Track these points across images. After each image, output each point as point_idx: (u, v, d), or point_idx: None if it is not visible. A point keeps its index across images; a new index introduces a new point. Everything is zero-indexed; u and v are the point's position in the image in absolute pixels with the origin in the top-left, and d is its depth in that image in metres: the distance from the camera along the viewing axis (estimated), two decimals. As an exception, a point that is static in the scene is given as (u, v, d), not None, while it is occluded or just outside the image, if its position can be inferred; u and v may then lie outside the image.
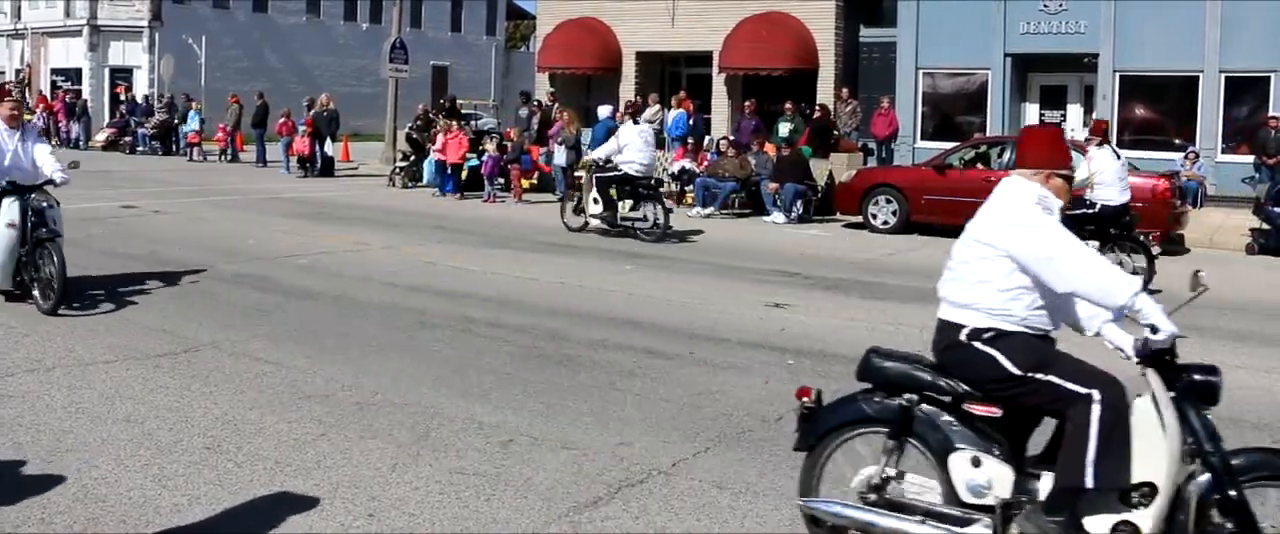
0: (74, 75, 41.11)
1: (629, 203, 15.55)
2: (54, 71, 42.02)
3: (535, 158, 22.59)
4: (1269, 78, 21.10)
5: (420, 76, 41.13)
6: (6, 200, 9.19)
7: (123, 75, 40.61)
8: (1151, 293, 12.54)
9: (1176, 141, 21.76)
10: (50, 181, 9.47)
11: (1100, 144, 13.11)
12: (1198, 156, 20.80)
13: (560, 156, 21.54)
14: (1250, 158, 20.35)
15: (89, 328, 8.51)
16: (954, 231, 15.39)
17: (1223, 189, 20.67)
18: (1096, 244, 12.54)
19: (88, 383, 6.87)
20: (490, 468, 5.49)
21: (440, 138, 22.22)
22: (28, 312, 9.02)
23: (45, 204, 9.36)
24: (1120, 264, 12.33)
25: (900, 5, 24.26)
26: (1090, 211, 12.55)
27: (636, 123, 16.35)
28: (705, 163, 20.44)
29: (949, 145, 19.64)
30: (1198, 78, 21.59)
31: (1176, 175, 17.59)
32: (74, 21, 41.13)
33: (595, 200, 15.77)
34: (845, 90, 23.75)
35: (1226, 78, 21.43)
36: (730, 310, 10.10)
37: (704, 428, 6.28)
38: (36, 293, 9.16)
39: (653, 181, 16.05)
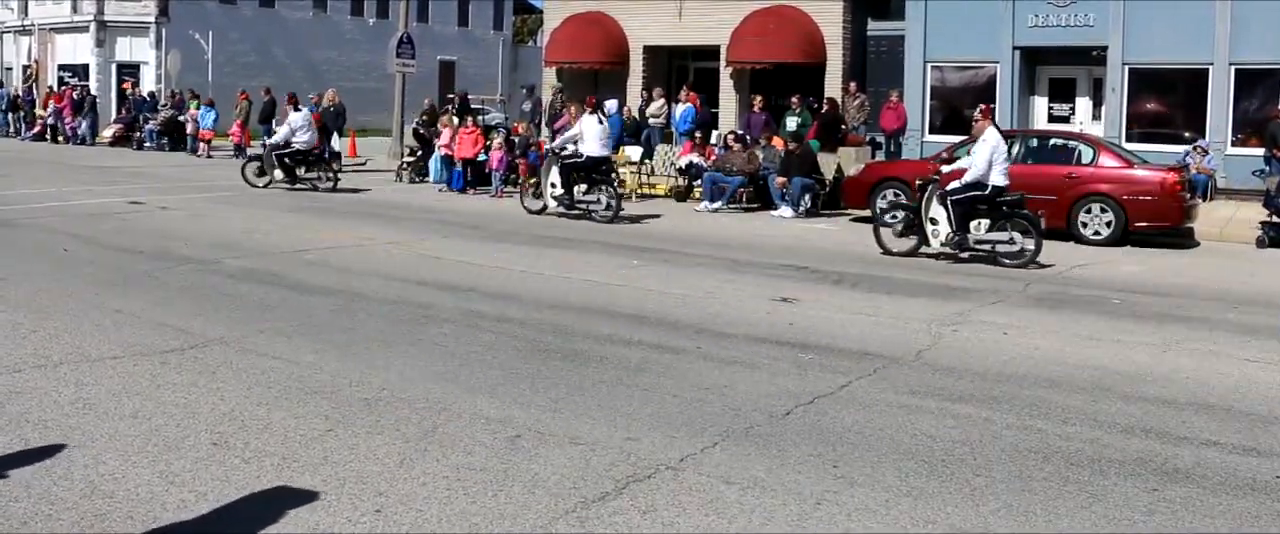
0: (81, 71, 41.16)
1: (583, 186, 16.99)
2: (61, 67, 42.07)
3: (541, 152, 22.54)
4: (1280, 70, 21.01)
5: (427, 71, 41.11)
6: None
7: (130, 71, 40.65)
8: (1041, 267, 12.73)
9: (1186, 134, 21.67)
10: None
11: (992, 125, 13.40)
12: (1207, 150, 20.72)
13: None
14: (1260, 151, 20.25)
15: (96, 323, 8.50)
16: (964, 225, 15.06)
17: (1232, 182, 20.59)
18: (988, 222, 13.07)
19: (95, 379, 6.87)
20: (497, 463, 5.47)
21: (445, 133, 22.24)
22: (35, 307, 9.02)
23: None
24: (1012, 241, 12.82)
25: (908, -2, 24.21)
26: (982, 193, 13.01)
27: (595, 115, 17.23)
28: (713, 157, 20.40)
29: (957, 139, 19.57)
30: (1208, 71, 21.49)
31: (1185, 168, 17.52)
32: (81, 17, 41.17)
33: (553, 185, 17.21)
34: (853, 84, 23.68)
35: (1236, 70, 21.31)
36: (738, 305, 10.08)
37: (712, 423, 6.26)
38: None
39: (605, 167, 17.31)
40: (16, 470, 5.18)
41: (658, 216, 18.01)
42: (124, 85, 39.48)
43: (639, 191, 21.24)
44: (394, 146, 28.21)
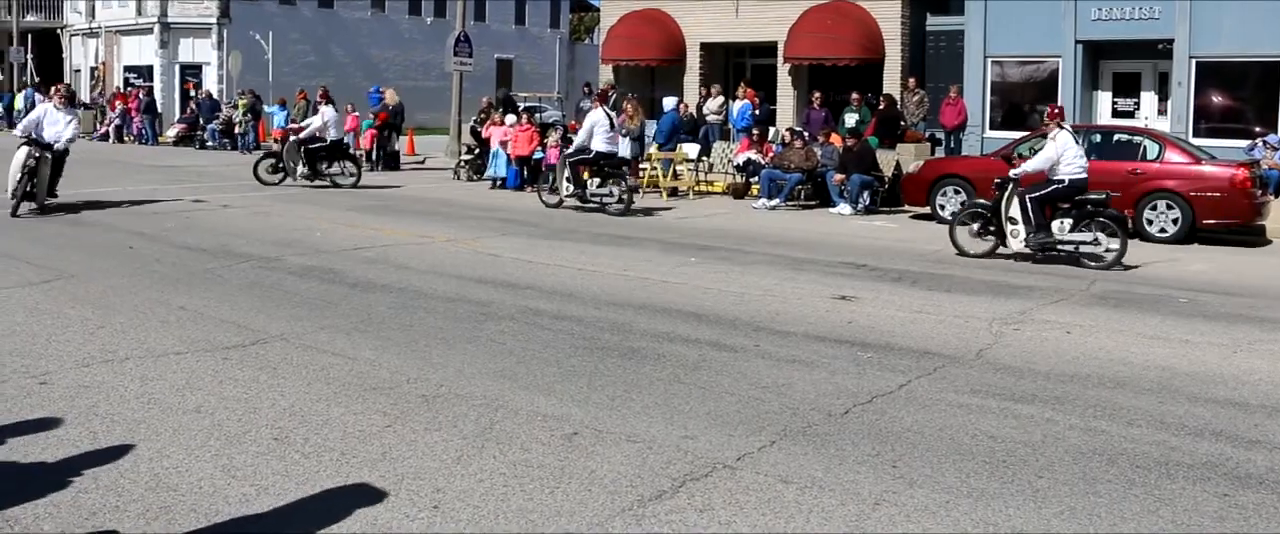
0: (146, 72, 41.88)
1: (596, 180, 17.63)
2: (127, 69, 42.84)
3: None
4: (1354, 61, 20.50)
5: (484, 70, 41.36)
6: (23, 148, 15.17)
7: (192, 72, 41.32)
8: (1125, 269, 12.45)
9: (1256, 129, 21.21)
10: (50, 144, 15.39)
11: (1060, 126, 13.24)
12: (1277, 146, 20.26)
13: (624, 148, 21.55)
14: (1336, 145, 19.79)
15: (161, 319, 8.63)
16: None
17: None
18: (1070, 222, 12.79)
19: (160, 374, 6.97)
20: (554, 460, 5.47)
21: (495, 131, 22.33)
22: (103, 303, 9.18)
23: (38, 153, 15.18)
24: (1096, 241, 12.52)
25: (968, -7, 23.94)
26: (1061, 188, 12.83)
27: (600, 110, 17.93)
28: (770, 154, 20.30)
29: (1018, 135, 19.32)
30: (1278, 63, 21.01)
31: (1255, 164, 17.14)
32: (145, 20, 41.89)
33: (568, 180, 17.89)
34: (912, 80, 23.46)
35: (1309, 62, 20.84)
36: (796, 302, 10.01)
37: (769, 422, 6.22)
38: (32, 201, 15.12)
39: (617, 161, 18.08)
40: (85, 463, 5.27)
41: (670, 210, 18.32)
42: (187, 86, 40.10)
43: (696, 189, 21.19)
44: (452, 144, 28.37)
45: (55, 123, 15.73)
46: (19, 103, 40.72)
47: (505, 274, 11.24)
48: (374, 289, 10.20)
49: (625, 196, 17.41)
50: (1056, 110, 13.59)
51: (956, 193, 17.02)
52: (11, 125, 39.12)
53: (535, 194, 19.31)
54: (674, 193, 20.85)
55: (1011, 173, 13.33)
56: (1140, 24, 22.04)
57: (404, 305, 9.46)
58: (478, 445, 5.69)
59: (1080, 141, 13.37)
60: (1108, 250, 12.51)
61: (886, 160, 19.53)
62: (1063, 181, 12.80)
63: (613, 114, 18.41)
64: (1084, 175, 12.89)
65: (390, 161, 26.19)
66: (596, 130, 17.60)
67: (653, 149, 21.94)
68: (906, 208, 18.31)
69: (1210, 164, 15.86)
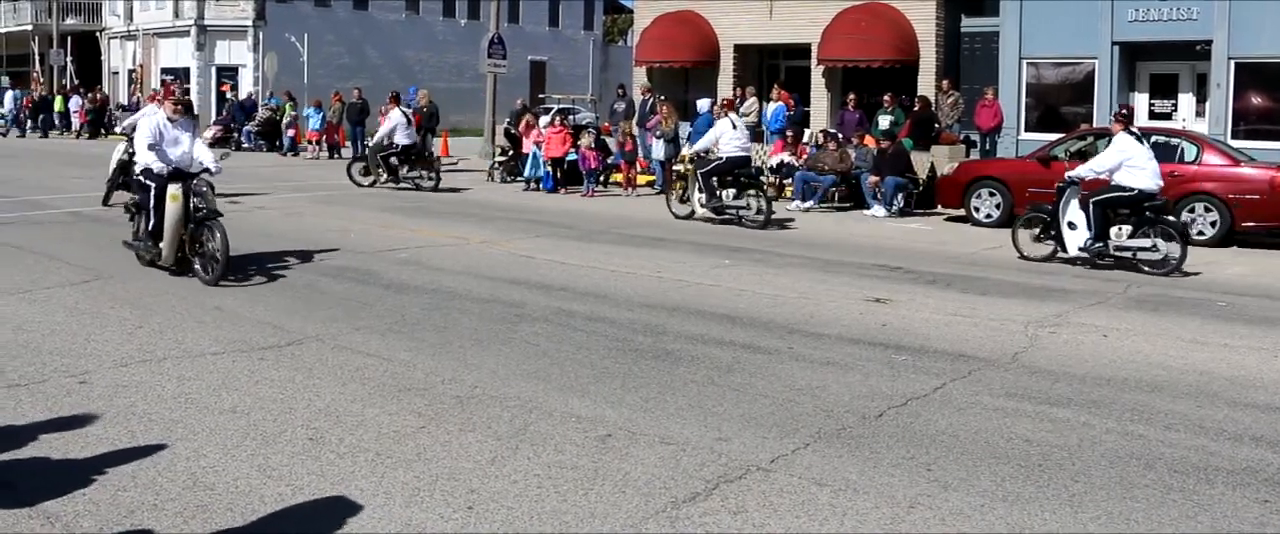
0: (182, 74, 42.27)
1: (732, 191, 16.54)
2: (164, 71, 43.24)
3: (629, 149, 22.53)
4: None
5: (518, 72, 41.47)
6: (172, 185, 10.47)
7: (228, 74, 41.68)
8: (1186, 276, 12.33)
9: (1300, 131, 20.95)
10: (206, 170, 10.77)
11: (1125, 130, 12.88)
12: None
13: (659, 150, 21.57)
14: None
15: (197, 320, 8.71)
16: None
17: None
18: (1130, 227, 12.59)
19: (196, 374, 7.03)
20: (588, 462, 5.48)
21: (529, 134, 22.40)
22: (141, 304, 9.27)
23: (203, 188, 10.70)
24: (1155, 248, 12.33)
25: (1003, -6, 23.78)
26: (1126, 195, 12.56)
27: (728, 116, 17.05)
28: (804, 156, 20.24)
29: (1054, 137, 19.16)
30: (1319, 65, 20.76)
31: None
32: (182, 22, 42.29)
33: (700, 190, 16.70)
34: (946, 82, 23.31)
35: (1350, 63, 20.56)
36: (830, 305, 9.98)
37: (803, 424, 6.20)
38: (199, 266, 10.46)
39: (753, 170, 17.08)
40: (123, 461, 5.33)
41: (793, 220, 17.28)
42: (222, 88, 40.43)
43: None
44: (486, 146, 28.46)
45: (177, 142, 10.78)
46: (59, 105, 41.30)
47: (539, 276, 11.27)
48: (408, 290, 10.24)
49: (766, 208, 16.16)
50: (1123, 112, 13.31)
51: (991, 195, 16.90)
52: (43, 127, 39.65)
53: (568, 196, 19.35)
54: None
55: (1067, 174, 13.16)
56: (1178, 25, 21.80)
57: (438, 307, 9.49)
58: (512, 447, 5.71)
59: (1146, 145, 12.91)
60: (1167, 257, 12.27)
61: (921, 162, 19.42)
62: (1131, 190, 12.48)
63: (738, 119, 17.34)
64: (1152, 186, 12.50)
65: (427, 163, 26.28)
66: (723, 136, 16.57)
67: (686, 151, 21.89)
68: (941, 210, 18.20)
69: (1249, 166, 15.68)
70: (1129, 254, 12.51)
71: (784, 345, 8.24)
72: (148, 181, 10.64)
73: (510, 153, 24.17)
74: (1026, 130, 23.43)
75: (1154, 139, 16.87)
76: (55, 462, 5.37)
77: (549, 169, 21.57)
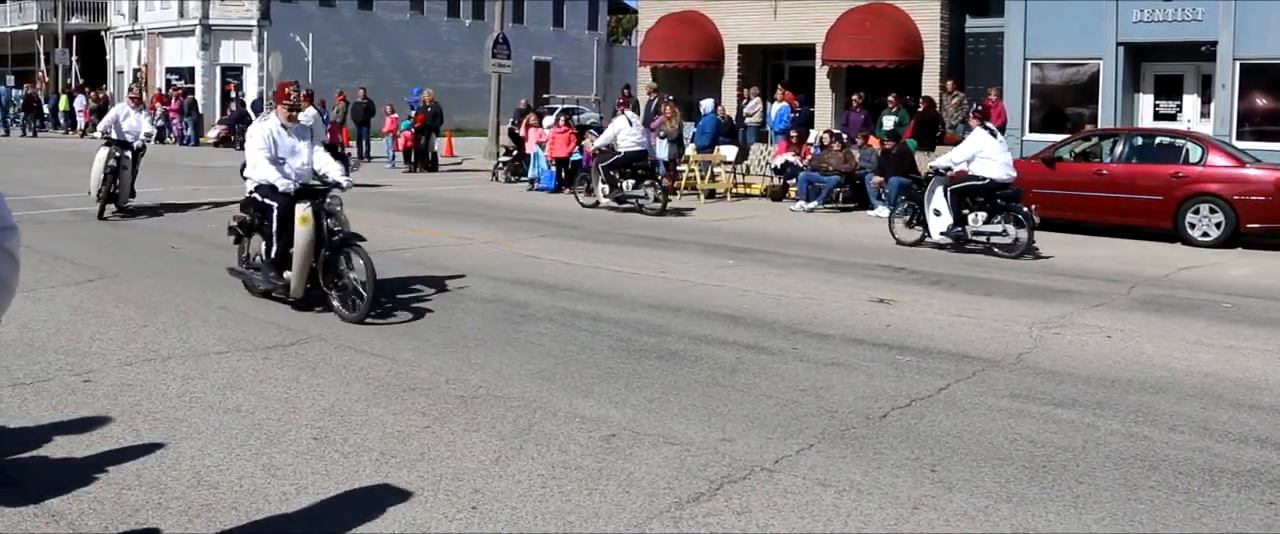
0: (187, 74, 42.34)
1: (630, 182, 18.20)
2: (168, 70, 43.33)
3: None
4: (1405, 62, 20.13)
5: (523, 72, 41.52)
6: (299, 205, 8.98)
7: (233, 73, 41.73)
8: (1039, 258, 12.83)
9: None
10: (337, 185, 9.27)
11: (981, 125, 14.28)
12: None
13: (662, 150, 21.56)
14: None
15: (202, 319, 8.72)
16: (1065, 226, 15.46)
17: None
18: (984, 215, 13.78)
19: (201, 373, 7.04)
20: (592, 462, 5.48)
21: (531, 134, 22.41)
22: (146, 303, 9.28)
23: (336, 207, 9.11)
24: (1005, 233, 13.44)
25: (1008, -5, 23.75)
26: (980, 184, 13.68)
27: (625, 114, 19.01)
28: (809, 156, 20.24)
29: (1059, 138, 19.14)
30: (1325, 66, 20.70)
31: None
32: (187, 21, 42.37)
33: (603, 182, 18.38)
34: (951, 82, 23.31)
35: (1357, 64, 20.50)
36: (834, 305, 9.98)
37: (808, 425, 6.20)
38: (337, 300, 8.84)
39: (648, 162, 18.77)
40: (128, 460, 5.33)
41: (708, 212, 18.36)
42: (227, 87, 40.46)
43: (734, 191, 21.16)
44: (490, 146, 28.49)
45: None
46: (65, 104, 41.37)
47: (543, 276, 11.27)
48: (412, 290, 10.24)
49: (661, 197, 17.91)
50: (980, 109, 14.80)
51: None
52: (56, 126, 39.74)
53: (572, 195, 19.37)
54: (711, 195, 20.83)
55: (930, 165, 14.50)
56: (1183, 25, 21.76)
57: (443, 306, 9.50)
58: (516, 446, 5.71)
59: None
60: (1016, 240, 13.38)
61: (925, 163, 19.39)
62: (984, 179, 13.64)
63: (634, 117, 19.26)
64: (1003, 175, 13.64)
65: (429, 163, 26.32)
66: (620, 133, 18.48)
67: (691, 151, 21.92)
68: (945, 211, 18.16)
69: (1254, 167, 15.65)
70: (984, 239, 13.66)
71: (788, 346, 8.24)
72: (268, 201, 9.10)
73: (515, 153, 24.18)
74: (1031, 131, 23.39)
75: (1159, 141, 16.96)
76: (60, 460, 5.38)
77: (552, 169, 21.58)
